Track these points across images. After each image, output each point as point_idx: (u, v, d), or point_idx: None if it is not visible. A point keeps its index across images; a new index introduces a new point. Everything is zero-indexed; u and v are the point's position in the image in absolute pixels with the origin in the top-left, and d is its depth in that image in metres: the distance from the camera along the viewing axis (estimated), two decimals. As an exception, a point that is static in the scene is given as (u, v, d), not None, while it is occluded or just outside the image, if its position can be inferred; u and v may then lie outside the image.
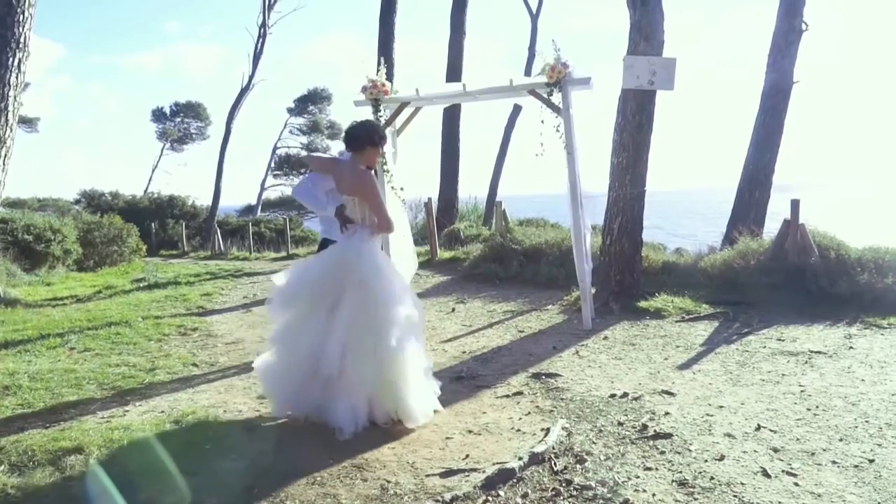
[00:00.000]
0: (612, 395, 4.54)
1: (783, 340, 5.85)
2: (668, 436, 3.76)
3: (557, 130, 6.42)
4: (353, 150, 4.23)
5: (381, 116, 7.09)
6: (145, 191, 39.27)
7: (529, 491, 3.16)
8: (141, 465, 3.49)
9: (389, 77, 7.42)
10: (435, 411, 4.17)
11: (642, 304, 7.21)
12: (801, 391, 4.50)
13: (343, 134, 4.41)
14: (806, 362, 5.18)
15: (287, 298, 4.16)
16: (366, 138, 4.20)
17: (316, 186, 4.74)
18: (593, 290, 7.18)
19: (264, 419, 4.27)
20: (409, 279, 7.19)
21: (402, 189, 7.18)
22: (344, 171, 4.24)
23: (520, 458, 3.41)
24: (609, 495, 3.08)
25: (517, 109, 20.67)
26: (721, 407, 4.25)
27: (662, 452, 3.54)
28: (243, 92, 30.62)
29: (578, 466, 3.39)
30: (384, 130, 4.59)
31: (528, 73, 19.96)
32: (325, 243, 5.03)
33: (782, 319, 6.50)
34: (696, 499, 3.03)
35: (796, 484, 3.14)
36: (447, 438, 3.87)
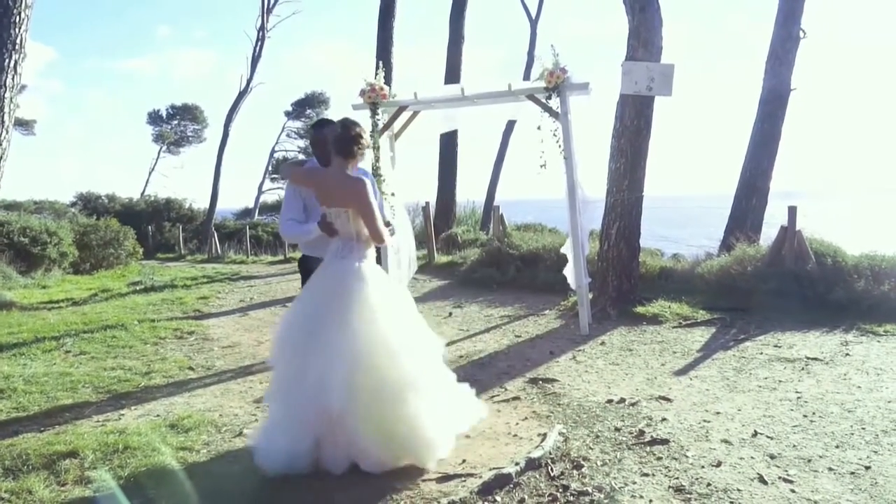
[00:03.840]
0: (610, 401, 4.54)
1: (780, 347, 5.85)
2: (664, 442, 3.75)
3: (555, 135, 6.42)
4: (344, 155, 3.62)
5: (378, 120, 7.09)
6: (142, 193, 39.35)
7: (526, 496, 3.15)
8: (136, 469, 3.47)
9: (388, 81, 7.42)
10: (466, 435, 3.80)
11: (639, 309, 7.20)
12: (798, 398, 4.50)
13: (318, 137, 3.93)
14: (802, 369, 5.19)
15: (280, 346, 3.66)
16: (354, 139, 3.61)
17: (297, 200, 4.10)
18: (591, 296, 7.17)
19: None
20: (405, 284, 7.14)
21: (392, 195, 7.10)
22: (329, 180, 3.67)
23: (517, 464, 3.41)
24: (606, 501, 3.08)
25: (512, 121, 20.54)
26: (718, 413, 4.25)
27: (659, 458, 3.54)
28: (241, 95, 30.67)
29: (575, 472, 3.39)
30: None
31: (527, 77, 19.97)
32: (305, 261, 4.33)
33: (779, 326, 6.50)
34: (692, 505, 3.03)
35: (793, 490, 3.14)
36: (444, 443, 3.86)
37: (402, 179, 7.38)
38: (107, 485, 3.29)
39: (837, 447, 3.65)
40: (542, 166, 6.48)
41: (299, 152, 44.26)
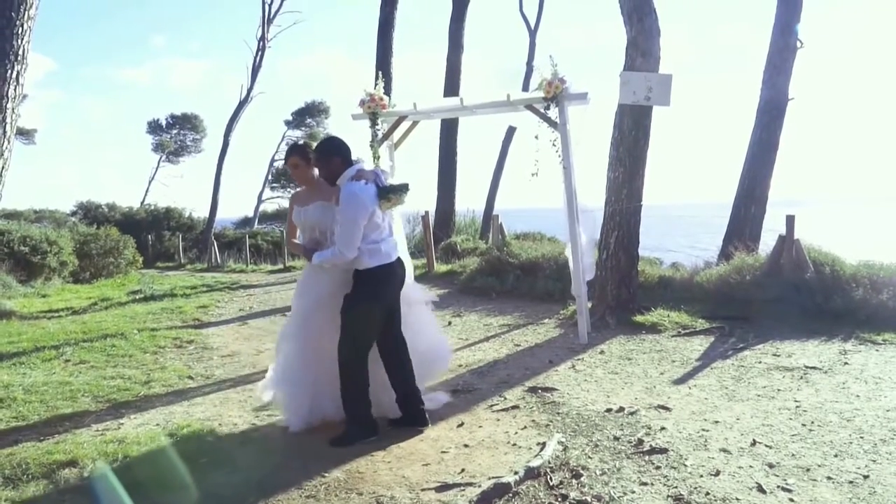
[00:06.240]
0: (609, 410, 4.54)
1: (778, 356, 5.86)
2: (663, 451, 3.76)
3: (554, 145, 6.45)
4: None
5: (378, 130, 7.12)
6: (142, 203, 39.30)
7: (525, 506, 3.15)
8: (135, 478, 3.47)
9: (387, 91, 7.45)
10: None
11: (638, 318, 7.21)
12: (797, 407, 4.50)
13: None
14: (801, 378, 5.19)
15: None
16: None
17: None
18: (590, 305, 7.18)
19: (259, 432, 4.27)
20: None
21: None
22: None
23: (515, 473, 3.41)
24: (605, 510, 3.08)
25: (512, 128, 20.55)
26: (717, 422, 4.25)
27: (658, 467, 3.54)
28: (242, 104, 30.73)
29: (574, 481, 3.39)
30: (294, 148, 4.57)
31: (525, 87, 20.06)
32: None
33: (778, 334, 6.51)
34: (691, 514, 3.03)
35: (791, 500, 3.14)
36: (443, 452, 3.87)
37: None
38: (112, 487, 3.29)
39: (836, 456, 3.65)
40: (533, 174, 6.52)
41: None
